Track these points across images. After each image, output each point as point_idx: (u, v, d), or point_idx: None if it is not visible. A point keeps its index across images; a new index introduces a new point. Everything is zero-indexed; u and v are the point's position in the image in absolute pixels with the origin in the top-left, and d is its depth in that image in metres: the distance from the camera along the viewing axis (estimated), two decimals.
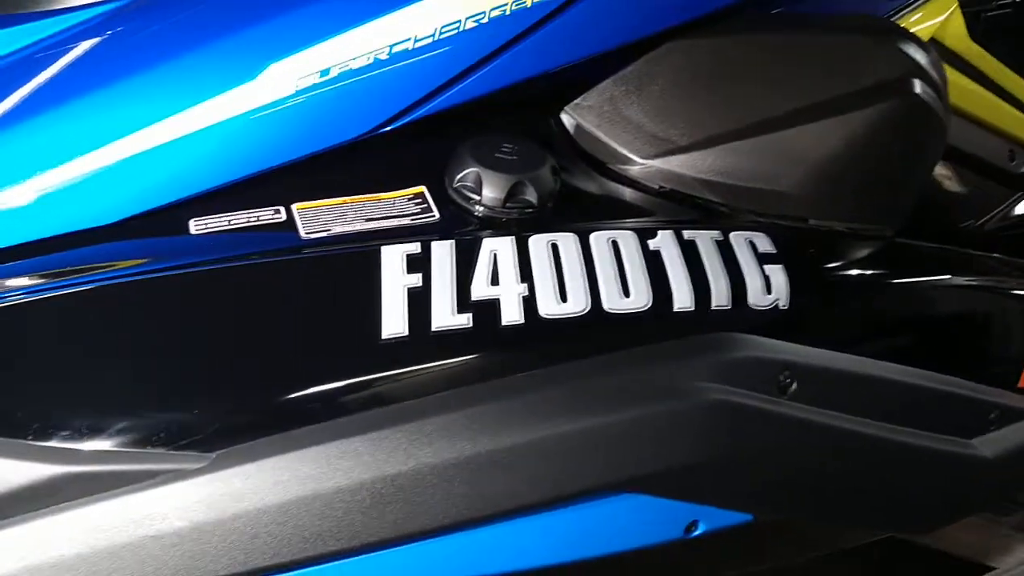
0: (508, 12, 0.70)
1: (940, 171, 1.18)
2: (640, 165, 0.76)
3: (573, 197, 0.73)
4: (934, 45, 1.05)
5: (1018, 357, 0.88)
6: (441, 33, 0.69)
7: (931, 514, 0.81)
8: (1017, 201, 1.25)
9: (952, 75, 1.09)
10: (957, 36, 1.08)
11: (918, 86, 0.76)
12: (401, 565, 0.57)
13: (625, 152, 0.76)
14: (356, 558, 0.56)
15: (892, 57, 0.76)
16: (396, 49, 0.68)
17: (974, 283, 0.86)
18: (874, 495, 0.75)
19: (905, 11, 1.01)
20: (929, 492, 0.78)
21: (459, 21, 0.69)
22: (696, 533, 0.66)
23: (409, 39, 0.68)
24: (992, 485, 0.82)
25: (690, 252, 0.69)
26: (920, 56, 0.78)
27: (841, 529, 0.82)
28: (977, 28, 1.34)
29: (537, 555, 0.62)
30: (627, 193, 0.76)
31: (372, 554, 0.56)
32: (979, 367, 0.85)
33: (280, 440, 0.55)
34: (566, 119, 0.79)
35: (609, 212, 0.73)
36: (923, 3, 1.04)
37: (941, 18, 1.06)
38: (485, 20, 0.69)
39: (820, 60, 0.77)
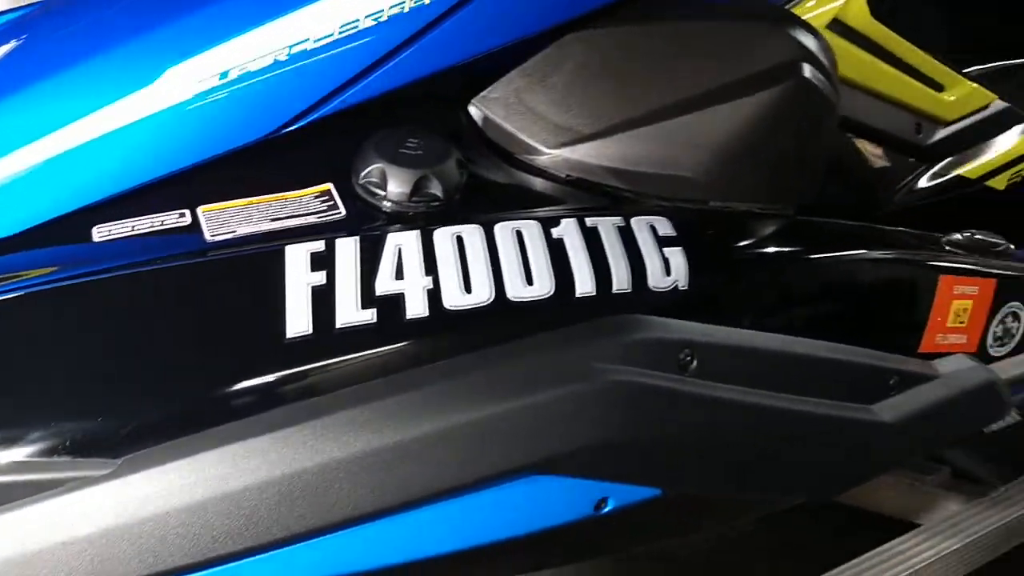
0: (407, 9, 0.71)
1: (851, 147, 1.22)
2: (547, 155, 0.78)
3: (481, 188, 0.75)
4: (837, 25, 1.09)
5: (918, 324, 0.92)
6: (340, 32, 0.69)
7: (836, 479, 0.85)
8: (923, 173, 1.30)
9: (857, 53, 1.13)
10: (859, 15, 1.12)
11: (807, 70, 0.79)
12: (313, 558, 0.59)
13: (532, 143, 0.78)
14: (267, 554, 0.57)
15: (782, 42, 0.79)
16: (295, 50, 0.69)
17: (874, 256, 0.90)
18: (780, 464, 0.78)
19: None
20: (833, 458, 0.82)
21: (357, 20, 0.70)
22: (606, 510, 0.69)
23: (307, 39, 0.69)
24: (893, 447, 0.86)
25: (592, 239, 0.71)
26: (809, 41, 0.81)
27: (753, 499, 0.85)
28: (881, 7, 1.39)
29: (450, 540, 0.64)
30: (534, 183, 0.78)
31: (283, 549, 0.57)
32: (881, 335, 0.89)
33: (186, 443, 0.56)
34: (474, 111, 0.80)
35: (516, 202, 0.75)
36: None
37: (843, 1, 1.10)
38: (384, 18, 0.70)
39: (715, 47, 0.80)
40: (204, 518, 0.54)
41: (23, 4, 0.84)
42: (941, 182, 1.31)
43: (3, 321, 0.60)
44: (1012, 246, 1.03)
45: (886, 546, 1.20)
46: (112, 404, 0.58)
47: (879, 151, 1.25)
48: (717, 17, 0.82)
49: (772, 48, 0.79)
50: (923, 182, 1.30)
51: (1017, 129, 1.38)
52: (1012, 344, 1.02)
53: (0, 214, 0.66)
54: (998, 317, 0.98)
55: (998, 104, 1.32)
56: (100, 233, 0.65)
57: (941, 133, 1.28)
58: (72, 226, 0.65)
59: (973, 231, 1.01)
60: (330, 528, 0.58)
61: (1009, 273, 0.99)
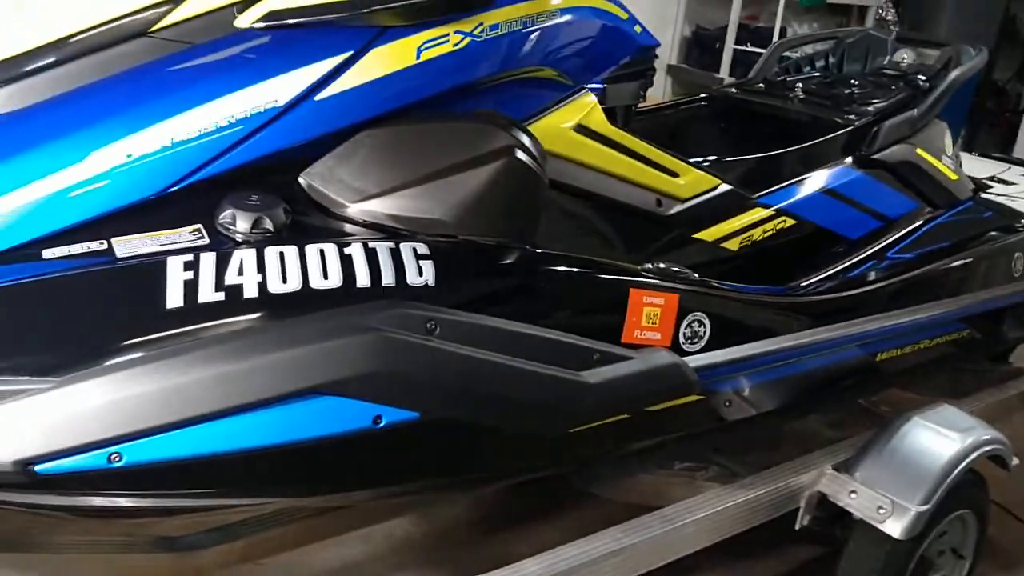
0: (248, 114, 1.13)
1: (601, 218, 1.66)
2: (350, 207, 1.19)
3: (303, 228, 1.15)
4: (581, 129, 1.55)
5: (618, 322, 1.33)
6: (208, 127, 1.11)
7: (554, 420, 1.24)
8: (667, 237, 1.75)
9: (599, 147, 1.58)
10: (599, 123, 1.58)
11: (518, 152, 1.24)
12: (191, 439, 0.96)
13: (340, 200, 1.19)
14: (163, 435, 0.95)
15: (500, 136, 1.24)
16: (176, 139, 1.10)
17: (582, 271, 1.31)
18: (510, 404, 1.17)
19: (553, 109, 1.50)
20: (552, 402, 1.21)
21: (216, 120, 1.11)
22: (382, 424, 1.06)
23: (187, 132, 1.10)
24: (596, 401, 1.25)
25: (371, 255, 1.11)
26: (520, 135, 1.26)
27: (506, 450, 1.23)
28: (630, 117, 1.87)
29: (276, 435, 1.00)
30: (342, 226, 1.19)
31: (172, 432, 0.95)
32: (591, 329, 1.29)
33: (109, 367, 0.95)
34: (302, 180, 1.21)
35: (326, 236, 1.15)
36: (566, 104, 1.53)
37: (584, 112, 1.56)
38: (230, 120, 1.12)
39: (457, 139, 1.24)
40: (126, 407, 0.92)
41: None
42: (683, 244, 1.77)
43: None
44: (695, 275, 1.47)
45: (654, 513, 1.58)
46: (55, 342, 0.95)
47: (627, 221, 1.69)
48: (459, 121, 1.26)
49: (494, 139, 1.24)
50: (667, 244, 1.75)
51: (742, 205, 1.86)
52: (701, 343, 1.44)
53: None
54: (685, 322, 1.41)
55: (724, 187, 1.80)
56: (48, 254, 1.03)
57: (678, 207, 1.74)
58: (29, 250, 1.03)
59: (667, 263, 1.45)
60: (198, 420, 0.95)
61: (688, 289, 1.43)
